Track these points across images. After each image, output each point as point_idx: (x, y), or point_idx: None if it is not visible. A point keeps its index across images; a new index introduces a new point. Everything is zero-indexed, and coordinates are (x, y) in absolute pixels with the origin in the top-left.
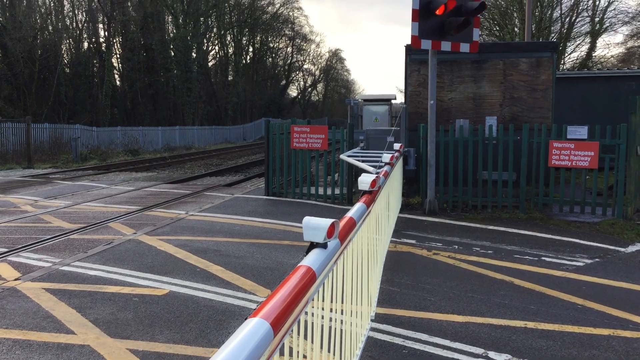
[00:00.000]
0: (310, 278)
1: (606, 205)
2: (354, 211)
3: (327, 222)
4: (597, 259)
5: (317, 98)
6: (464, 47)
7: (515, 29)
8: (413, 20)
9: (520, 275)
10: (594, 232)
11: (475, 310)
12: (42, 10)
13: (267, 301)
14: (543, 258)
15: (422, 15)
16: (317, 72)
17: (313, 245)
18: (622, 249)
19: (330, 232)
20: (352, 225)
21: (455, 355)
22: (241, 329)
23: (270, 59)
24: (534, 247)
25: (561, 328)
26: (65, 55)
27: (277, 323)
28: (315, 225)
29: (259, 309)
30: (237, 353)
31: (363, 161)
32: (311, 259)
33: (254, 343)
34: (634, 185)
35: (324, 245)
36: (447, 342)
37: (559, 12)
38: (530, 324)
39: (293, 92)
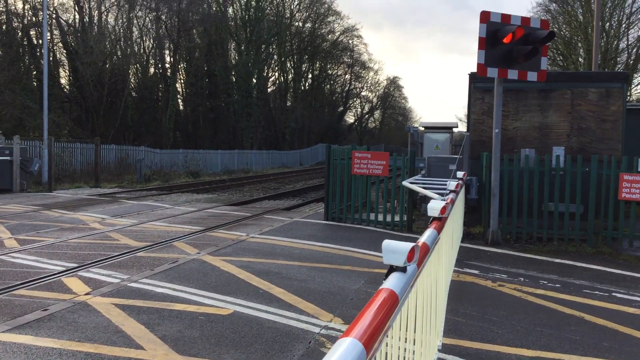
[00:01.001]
0: (394, 301)
1: None
2: (426, 237)
3: (407, 245)
4: None
5: (374, 125)
6: (531, 76)
7: (580, 59)
8: (479, 48)
9: (590, 310)
10: None
11: (545, 345)
12: (112, 36)
13: (355, 322)
14: (614, 294)
15: (489, 43)
16: (375, 99)
17: (392, 269)
18: None
19: (410, 257)
20: (426, 250)
21: None
22: (336, 347)
23: (328, 86)
24: (604, 283)
25: None
26: (132, 80)
27: (369, 343)
28: (395, 249)
29: (349, 329)
30: None
31: (425, 188)
32: (392, 283)
33: None
34: None
35: (403, 270)
36: None
37: (626, 42)
38: None
39: (350, 118)
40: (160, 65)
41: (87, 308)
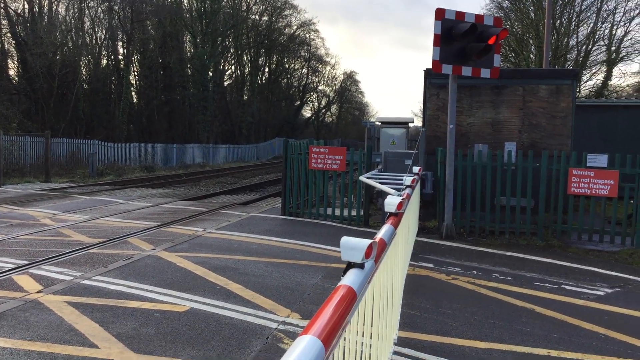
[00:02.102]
0: (352, 297)
1: (625, 235)
2: (383, 232)
3: (365, 242)
4: (617, 289)
5: (331, 119)
6: (485, 73)
7: (531, 56)
8: (435, 45)
9: (541, 302)
10: (612, 261)
11: (497, 337)
12: (63, 27)
13: (314, 319)
14: (563, 286)
15: (444, 40)
16: (332, 94)
17: (350, 265)
18: None
19: (368, 253)
20: (384, 246)
21: None
22: (295, 345)
23: (285, 80)
24: (554, 275)
25: (585, 357)
26: (84, 72)
27: (327, 340)
28: (353, 246)
29: (308, 326)
30: None
31: (382, 183)
32: (350, 279)
33: (310, 358)
34: None
35: (361, 266)
36: None
37: (575, 40)
38: (554, 353)
39: (307, 112)
40: (113, 57)
41: (39, 306)
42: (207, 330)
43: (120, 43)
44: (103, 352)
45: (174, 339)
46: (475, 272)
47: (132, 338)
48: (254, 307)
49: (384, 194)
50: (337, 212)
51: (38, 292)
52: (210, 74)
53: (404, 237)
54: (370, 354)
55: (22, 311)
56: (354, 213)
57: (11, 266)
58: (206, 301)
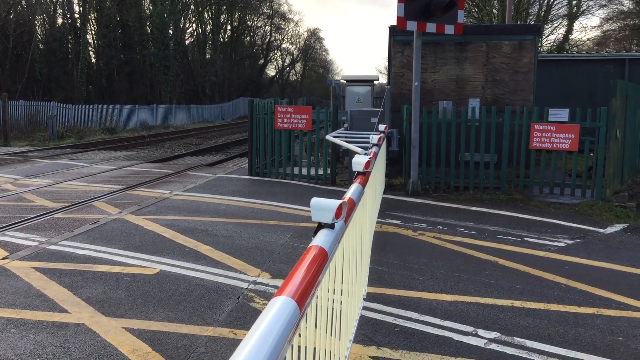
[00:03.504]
0: (323, 257)
1: (585, 187)
2: (352, 192)
3: (335, 203)
4: (577, 240)
5: (295, 78)
6: (449, 29)
7: (494, 11)
8: (399, 1)
9: (504, 255)
10: (573, 213)
11: (462, 289)
12: None
13: (287, 280)
14: (525, 238)
15: None
16: (296, 52)
17: (321, 226)
18: (601, 230)
19: (338, 213)
20: (353, 206)
21: (446, 333)
22: (270, 306)
23: (248, 38)
24: (516, 228)
25: (547, 307)
26: (39, 31)
27: (301, 300)
28: (324, 206)
29: (282, 287)
30: (272, 328)
31: (349, 142)
32: (322, 240)
33: (284, 319)
34: (613, 167)
35: (331, 226)
36: (437, 321)
37: None
38: (517, 303)
39: (271, 71)
40: (69, 16)
41: (6, 273)
42: (178, 292)
43: (75, 1)
44: (74, 316)
45: (145, 301)
46: (440, 227)
47: (102, 302)
48: (224, 267)
49: (350, 153)
50: (304, 171)
51: (3, 258)
52: (171, 32)
53: (371, 195)
54: (340, 310)
55: None
56: (320, 172)
57: None
58: (176, 263)
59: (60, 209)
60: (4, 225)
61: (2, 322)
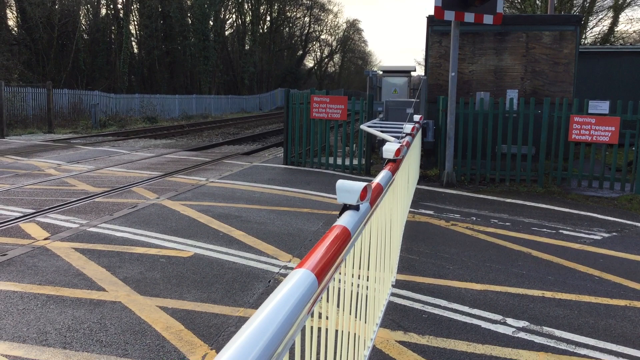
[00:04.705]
0: (346, 237)
1: (624, 181)
2: (380, 177)
3: (360, 185)
4: (614, 233)
5: (333, 69)
6: (487, 19)
7: (537, 2)
8: None
9: (538, 247)
10: (611, 207)
11: (493, 279)
12: None
13: (309, 255)
14: (561, 231)
15: None
16: (334, 43)
17: (346, 207)
18: (639, 224)
19: (363, 195)
20: (380, 190)
21: (474, 320)
22: (290, 277)
23: (287, 29)
24: (552, 221)
25: (578, 298)
26: (83, 22)
27: (321, 274)
28: (349, 188)
29: (302, 261)
30: (289, 297)
31: (383, 132)
32: (345, 220)
33: (302, 290)
34: None
35: (356, 208)
36: (465, 309)
37: None
38: (548, 294)
39: (310, 62)
40: (112, 6)
41: (47, 252)
42: (211, 274)
43: None
44: (110, 294)
45: (179, 282)
46: (474, 218)
47: (138, 282)
48: (256, 252)
49: (385, 143)
50: (339, 161)
51: (45, 239)
52: (211, 23)
53: (403, 183)
54: (367, 295)
55: (30, 257)
56: (355, 162)
57: (18, 214)
58: (210, 247)
59: (100, 194)
60: (47, 207)
61: (43, 299)
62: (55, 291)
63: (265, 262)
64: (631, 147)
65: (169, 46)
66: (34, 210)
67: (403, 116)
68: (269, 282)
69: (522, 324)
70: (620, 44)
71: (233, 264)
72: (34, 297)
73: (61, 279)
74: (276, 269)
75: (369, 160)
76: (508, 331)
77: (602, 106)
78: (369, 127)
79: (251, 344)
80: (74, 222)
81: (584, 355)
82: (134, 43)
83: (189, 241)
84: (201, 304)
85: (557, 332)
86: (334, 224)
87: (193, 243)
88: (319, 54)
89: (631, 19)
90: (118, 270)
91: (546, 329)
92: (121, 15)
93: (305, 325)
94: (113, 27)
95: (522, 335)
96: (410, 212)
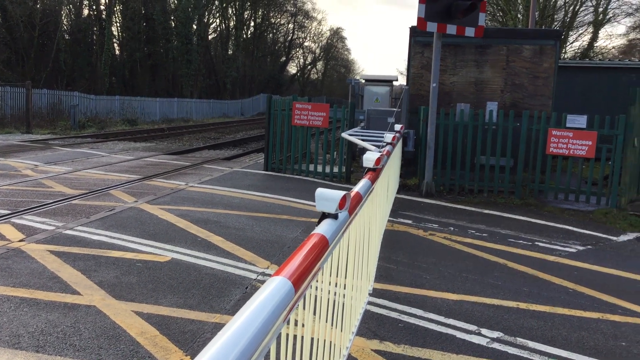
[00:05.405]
0: (324, 245)
1: (600, 195)
2: (360, 187)
3: (339, 193)
4: (589, 246)
5: (316, 76)
6: (469, 31)
7: (519, 15)
8: (420, 2)
9: (513, 258)
10: (587, 220)
11: (469, 289)
12: None
13: (286, 263)
14: (537, 243)
15: None
16: (318, 50)
17: (325, 216)
18: (614, 238)
19: (342, 204)
20: (359, 199)
21: (449, 330)
22: (266, 285)
23: (271, 35)
24: (528, 232)
25: (552, 310)
26: (65, 22)
27: (297, 282)
28: (328, 197)
29: (280, 269)
30: (265, 304)
31: (364, 140)
32: (324, 228)
33: (278, 298)
34: (629, 176)
35: (335, 216)
36: (441, 318)
37: (563, 0)
38: (522, 305)
39: (293, 69)
40: (94, 7)
41: (22, 254)
42: (188, 280)
43: None
44: (85, 298)
45: (156, 287)
46: (452, 228)
47: (114, 286)
48: (234, 258)
49: (366, 151)
50: (320, 168)
51: (20, 240)
52: (194, 27)
53: (382, 192)
54: (343, 303)
55: (4, 259)
56: (336, 170)
57: None
58: (188, 252)
59: (77, 196)
60: (23, 209)
61: (16, 302)
62: (29, 294)
63: (243, 269)
64: (608, 161)
65: (151, 49)
66: (9, 212)
67: (385, 125)
68: (247, 289)
69: (496, 334)
70: (599, 59)
71: (211, 270)
72: (7, 299)
73: (35, 281)
74: (254, 275)
75: (350, 168)
76: (482, 342)
77: (579, 120)
78: (350, 135)
79: (227, 350)
80: (50, 225)
81: None
82: (115, 44)
83: (167, 246)
84: (177, 310)
85: (531, 344)
86: (312, 232)
87: (171, 248)
88: (302, 60)
89: (610, 35)
90: (93, 274)
91: (520, 340)
92: (103, 16)
93: (281, 333)
94: (95, 28)
95: (496, 345)
96: (389, 221)
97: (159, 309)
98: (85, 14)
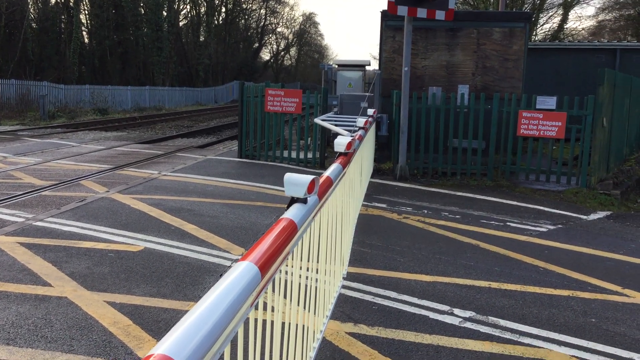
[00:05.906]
0: (292, 229)
1: (571, 175)
2: (330, 171)
3: (307, 178)
4: (559, 226)
5: (289, 62)
6: (440, 15)
7: None
8: None
9: (486, 239)
10: (558, 200)
11: (442, 270)
12: None
13: (253, 248)
14: (508, 223)
15: None
16: (291, 36)
17: (294, 200)
18: (584, 217)
19: (311, 188)
20: (329, 183)
21: (423, 311)
22: (232, 270)
23: (243, 21)
24: (500, 213)
25: (523, 288)
26: (32, 10)
27: (264, 266)
28: (296, 181)
29: (247, 254)
30: (231, 289)
31: (337, 125)
32: (292, 213)
33: (244, 282)
34: (599, 155)
35: (304, 201)
36: (414, 300)
37: None
38: (494, 284)
39: (266, 55)
40: None
41: None
42: (162, 269)
43: None
44: (56, 290)
45: (128, 277)
46: (425, 211)
47: (85, 276)
48: (208, 246)
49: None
50: (294, 154)
51: None
52: (165, 14)
53: (355, 176)
54: (317, 287)
55: None
56: (310, 155)
57: None
58: (161, 241)
59: (47, 187)
60: None
61: None
62: None
63: (217, 256)
64: (577, 141)
65: (121, 36)
66: None
67: (358, 110)
68: (220, 276)
69: (468, 314)
70: (569, 41)
71: (184, 258)
72: None
73: (5, 274)
74: (228, 262)
75: (324, 153)
76: (455, 321)
77: (549, 102)
78: (322, 120)
79: (191, 334)
80: (20, 216)
81: (527, 344)
82: (84, 33)
83: (139, 235)
84: (150, 299)
85: (502, 322)
86: (281, 217)
87: (143, 237)
88: (275, 47)
89: (580, 17)
90: (65, 265)
91: (492, 319)
92: (71, 3)
93: (249, 318)
94: (63, 16)
95: (468, 325)
96: (363, 205)
97: (132, 298)
98: (53, 2)
